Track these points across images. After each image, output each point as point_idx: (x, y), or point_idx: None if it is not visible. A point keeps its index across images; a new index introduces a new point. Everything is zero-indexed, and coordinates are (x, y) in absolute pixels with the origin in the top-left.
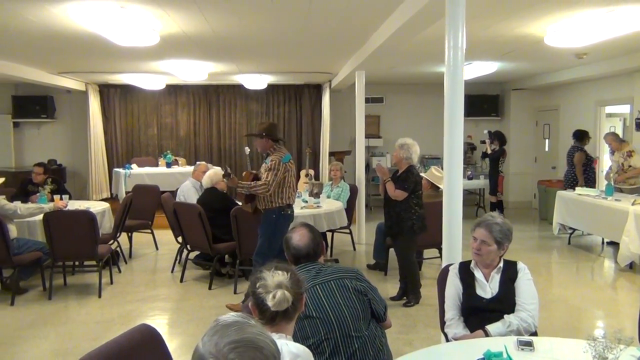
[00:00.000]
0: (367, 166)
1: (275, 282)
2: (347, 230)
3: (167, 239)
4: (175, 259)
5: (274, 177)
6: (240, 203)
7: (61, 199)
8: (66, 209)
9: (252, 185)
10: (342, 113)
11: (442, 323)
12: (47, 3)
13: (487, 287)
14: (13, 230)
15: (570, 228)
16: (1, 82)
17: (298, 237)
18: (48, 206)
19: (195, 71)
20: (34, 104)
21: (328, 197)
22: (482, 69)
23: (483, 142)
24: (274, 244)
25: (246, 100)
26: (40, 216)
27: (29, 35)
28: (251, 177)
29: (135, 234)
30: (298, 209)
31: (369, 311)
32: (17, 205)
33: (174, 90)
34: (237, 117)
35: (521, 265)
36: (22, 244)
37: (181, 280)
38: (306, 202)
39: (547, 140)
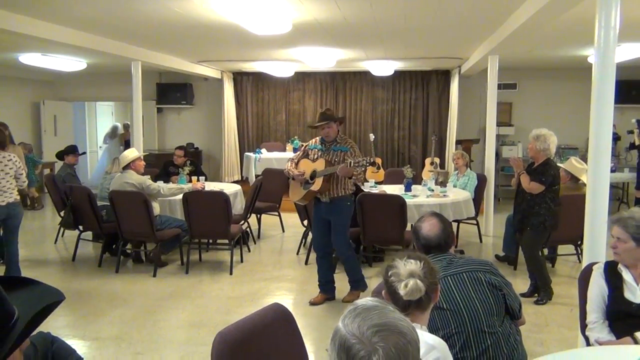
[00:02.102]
0: (497, 155)
1: (407, 270)
2: (474, 221)
3: (292, 221)
4: (301, 242)
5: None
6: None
7: (198, 180)
8: (203, 189)
9: (359, 171)
10: (471, 100)
11: (583, 325)
12: None
13: (638, 291)
14: (156, 208)
15: None
16: (148, 70)
17: (428, 227)
18: (187, 187)
19: (324, 58)
20: (175, 91)
21: (454, 186)
22: (632, 51)
23: (630, 132)
24: (348, 232)
25: (372, 87)
26: (180, 196)
27: (174, 26)
28: (328, 165)
29: (263, 216)
30: (424, 198)
31: (503, 307)
32: (160, 185)
33: (302, 77)
34: (363, 103)
35: None
36: (164, 221)
37: (306, 263)
38: (432, 190)
39: None
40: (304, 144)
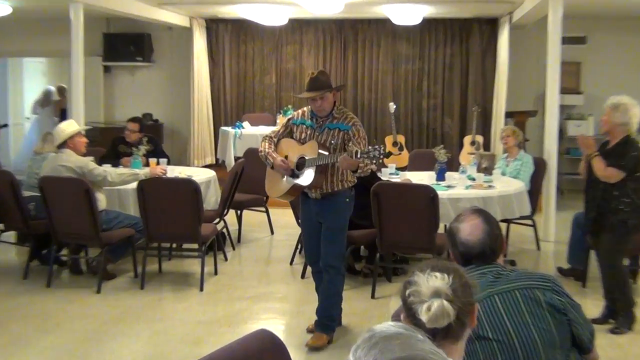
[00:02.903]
0: (561, 133)
1: (431, 288)
2: (530, 222)
3: (285, 220)
4: (296, 248)
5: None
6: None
7: (158, 163)
8: (165, 176)
9: (367, 163)
10: (526, 58)
11: None
12: None
13: None
14: (102, 201)
15: None
16: (91, 16)
17: (469, 229)
18: (143, 172)
19: (329, 0)
20: (128, 44)
21: (503, 174)
22: None
23: None
24: (344, 239)
25: (393, 40)
26: (134, 184)
27: None
28: (323, 149)
29: (245, 213)
30: (461, 189)
31: (569, 337)
32: (107, 169)
33: (299, 26)
34: (380, 62)
35: None
36: (112, 218)
37: (303, 276)
38: (473, 179)
39: None
40: (289, 117)
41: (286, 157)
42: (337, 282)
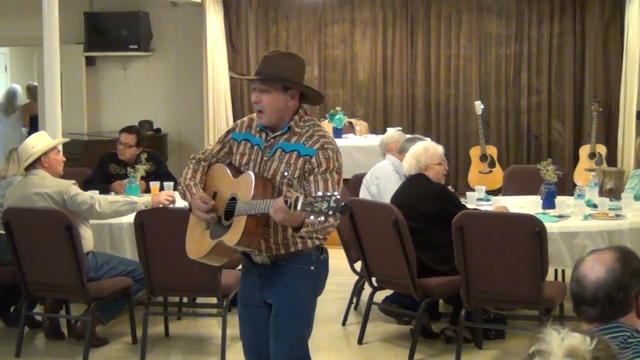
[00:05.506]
0: None
1: (565, 347)
2: None
3: (335, 263)
4: (351, 301)
5: (339, 185)
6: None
7: (162, 188)
8: (171, 206)
9: (317, 222)
10: None
11: None
12: None
13: None
14: (88, 239)
15: None
16: None
17: (591, 263)
18: (142, 200)
19: None
20: (118, 28)
21: (636, 198)
22: None
23: None
24: (311, 327)
25: (478, 14)
26: (131, 217)
27: None
28: (267, 188)
29: None
30: (578, 220)
31: None
32: (95, 196)
33: None
34: (462, 46)
35: None
36: (102, 263)
37: (360, 341)
38: (594, 206)
39: None
40: (230, 128)
41: (215, 194)
42: None
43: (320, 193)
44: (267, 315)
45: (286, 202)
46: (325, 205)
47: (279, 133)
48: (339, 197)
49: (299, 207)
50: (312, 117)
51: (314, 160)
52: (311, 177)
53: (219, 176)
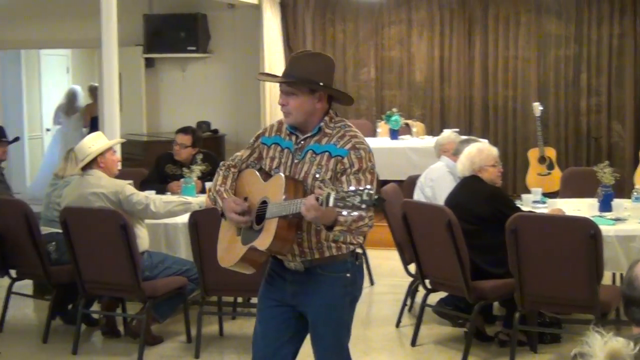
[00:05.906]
0: None
1: (607, 351)
2: None
3: (389, 265)
4: (405, 303)
5: (372, 185)
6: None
7: None
8: None
9: (350, 220)
10: None
11: None
12: None
13: None
14: (143, 239)
15: None
16: None
17: None
18: (197, 201)
19: None
20: (176, 30)
21: None
22: None
23: None
24: (349, 332)
25: (538, 15)
26: (186, 217)
27: None
28: (298, 190)
29: None
30: (636, 223)
31: None
32: (150, 196)
33: (406, 0)
34: (520, 47)
35: None
36: (157, 263)
37: (413, 343)
38: None
39: None
40: (259, 133)
41: (246, 199)
42: None
43: (352, 188)
44: (289, 322)
45: (317, 199)
46: (358, 199)
47: (309, 135)
48: (372, 190)
49: (330, 203)
50: (342, 118)
51: (346, 160)
52: (343, 178)
53: (249, 181)
